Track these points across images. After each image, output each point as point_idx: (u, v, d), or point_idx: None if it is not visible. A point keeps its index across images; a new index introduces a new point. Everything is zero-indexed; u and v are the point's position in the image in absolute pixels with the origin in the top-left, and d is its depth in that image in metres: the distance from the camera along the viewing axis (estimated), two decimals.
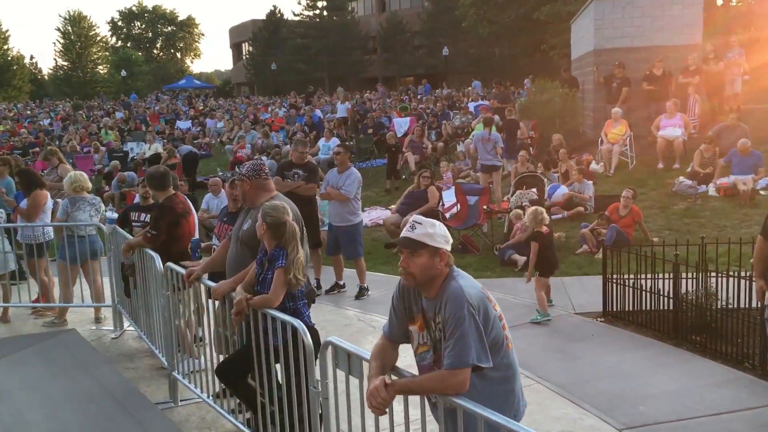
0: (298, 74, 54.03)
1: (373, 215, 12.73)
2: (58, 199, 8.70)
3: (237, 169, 5.03)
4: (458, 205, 11.14)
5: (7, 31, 68.32)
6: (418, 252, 2.85)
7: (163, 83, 61.86)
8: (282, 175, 8.44)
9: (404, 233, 2.91)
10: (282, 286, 3.98)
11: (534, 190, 10.38)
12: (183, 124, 25.83)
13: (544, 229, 7.32)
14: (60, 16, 74.47)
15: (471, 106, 19.55)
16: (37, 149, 19.74)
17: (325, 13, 56.55)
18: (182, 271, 5.13)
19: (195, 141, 21.71)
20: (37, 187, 7.95)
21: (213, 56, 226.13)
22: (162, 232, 5.84)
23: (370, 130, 18.51)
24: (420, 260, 2.84)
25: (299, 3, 58.00)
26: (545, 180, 10.94)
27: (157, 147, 18.84)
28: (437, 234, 2.87)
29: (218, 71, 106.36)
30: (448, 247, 2.91)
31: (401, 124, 18.95)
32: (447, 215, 11.16)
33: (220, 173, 17.37)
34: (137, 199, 13.46)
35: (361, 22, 57.63)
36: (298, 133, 18.85)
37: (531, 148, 14.60)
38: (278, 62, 54.11)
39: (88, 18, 72.29)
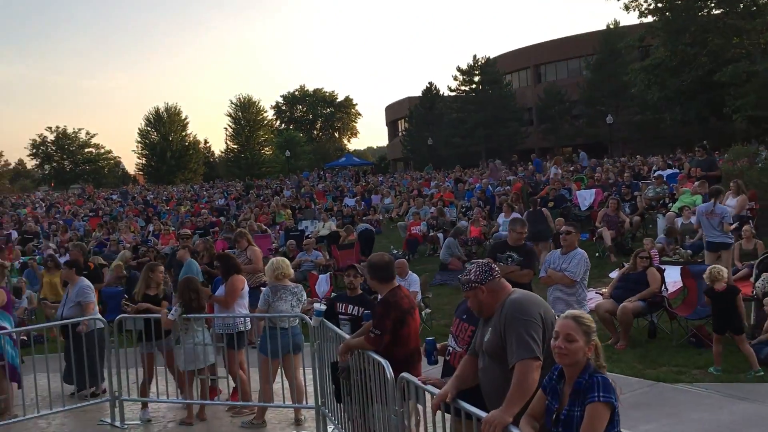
0: (455, 148, 54.03)
1: None
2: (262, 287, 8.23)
3: (460, 278, 4.13)
4: (686, 289, 9.55)
5: (186, 118, 74.61)
6: None
7: (323, 162, 64.29)
8: (494, 257, 7.47)
9: None
10: (602, 430, 2.89)
11: None
12: (350, 201, 25.90)
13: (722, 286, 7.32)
14: (231, 102, 79.92)
15: (664, 174, 17.76)
16: (216, 229, 20.23)
17: (481, 87, 56.52)
18: (417, 381, 4.31)
19: (364, 218, 21.48)
20: (235, 272, 7.54)
21: (367, 133, 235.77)
22: (387, 332, 5.00)
23: (551, 203, 17.22)
24: None
25: (455, 79, 58.01)
26: None
27: (331, 225, 18.67)
28: None
29: (371, 148, 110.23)
30: None
31: (585, 196, 17.52)
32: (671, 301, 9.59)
33: (394, 251, 16.78)
34: (320, 283, 13.19)
35: (517, 94, 57.05)
36: (475, 208, 17.95)
37: (751, 221, 12.65)
38: (434, 137, 54.47)
39: (256, 103, 77.38)
